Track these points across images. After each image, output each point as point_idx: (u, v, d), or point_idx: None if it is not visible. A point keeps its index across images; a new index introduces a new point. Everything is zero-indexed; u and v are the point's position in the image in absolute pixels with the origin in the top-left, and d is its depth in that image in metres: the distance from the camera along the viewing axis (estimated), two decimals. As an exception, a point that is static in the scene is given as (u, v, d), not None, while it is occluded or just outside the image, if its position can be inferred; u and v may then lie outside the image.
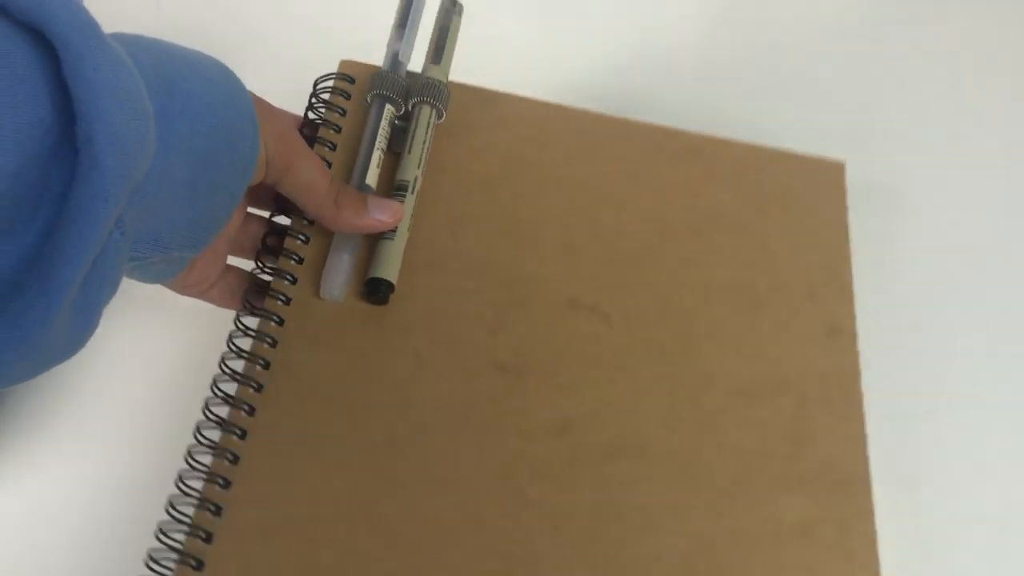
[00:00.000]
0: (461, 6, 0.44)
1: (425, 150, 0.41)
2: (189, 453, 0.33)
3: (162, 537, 0.31)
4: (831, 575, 0.35)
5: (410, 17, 0.43)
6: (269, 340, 0.36)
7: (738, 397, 0.38)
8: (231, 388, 0.35)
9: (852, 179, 0.45)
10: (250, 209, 0.40)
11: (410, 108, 0.42)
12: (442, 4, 0.44)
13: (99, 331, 0.29)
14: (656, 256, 0.41)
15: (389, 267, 0.38)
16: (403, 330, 0.38)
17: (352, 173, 0.40)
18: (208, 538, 0.32)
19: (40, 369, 0.28)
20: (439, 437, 0.35)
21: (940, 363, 0.49)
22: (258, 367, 0.35)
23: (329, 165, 0.40)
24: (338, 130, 0.41)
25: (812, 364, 0.39)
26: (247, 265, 0.39)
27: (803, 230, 0.43)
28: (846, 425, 0.38)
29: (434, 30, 0.44)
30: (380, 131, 0.40)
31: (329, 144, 0.40)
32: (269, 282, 0.38)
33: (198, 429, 0.34)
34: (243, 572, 0.32)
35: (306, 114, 0.41)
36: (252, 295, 0.38)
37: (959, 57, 0.62)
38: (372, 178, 0.40)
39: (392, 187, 0.40)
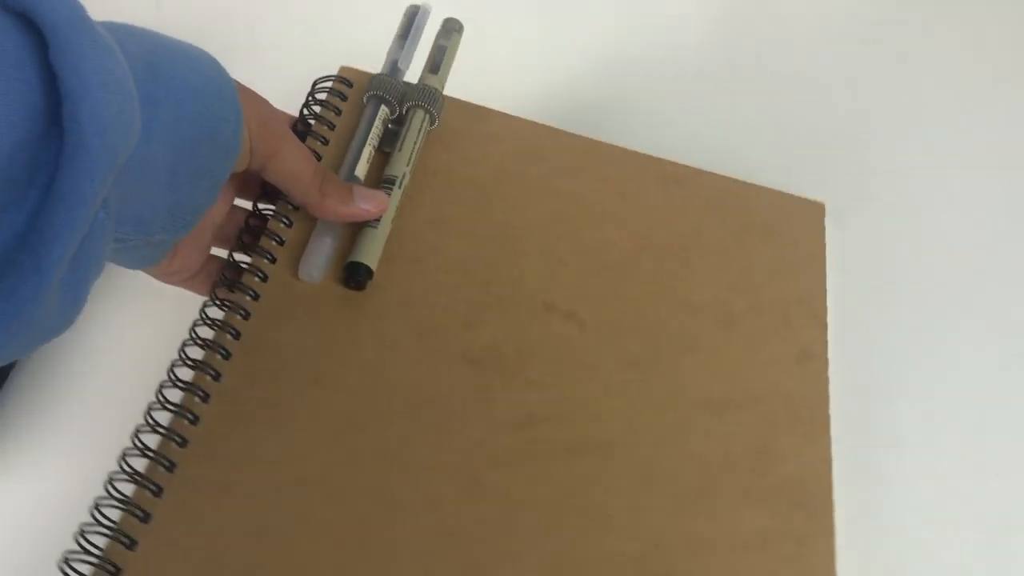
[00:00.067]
0: (461, 25, 0.46)
1: (415, 150, 0.42)
2: (149, 412, 0.33)
3: (110, 488, 0.31)
4: (787, 591, 0.34)
5: (412, 30, 0.44)
6: (242, 312, 0.36)
7: (705, 410, 0.38)
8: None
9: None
10: (237, 201, 0.41)
11: (404, 112, 0.43)
12: (443, 23, 0.46)
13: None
14: (635, 271, 0.42)
15: (370, 253, 0.38)
16: (377, 316, 0.38)
17: (342, 165, 0.41)
18: (158, 492, 0.31)
19: (33, 345, 0.28)
20: (402, 418, 0.35)
21: (907, 391, 0.49)
22: (228, 336, 0.35)
23: (320, 158, 0.41)
24: (332, 127, 0.42)
25: (782, 386, 0.39)
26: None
27: (781, 260, 0.44)
28: (812, 447, 0.38)
29: (434, 45, 0.45)
30: (373, 129, 0.41)
31: (322, 139, 0.41)
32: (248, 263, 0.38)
33: (160, 390, 0.34)
34: (190, 527, 0.31)
35: (302, 111, 0.42)
36: (230, 270, 0.38)
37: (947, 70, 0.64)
38: (361, 172, 0.40)
39: (380, 182, 0.41)
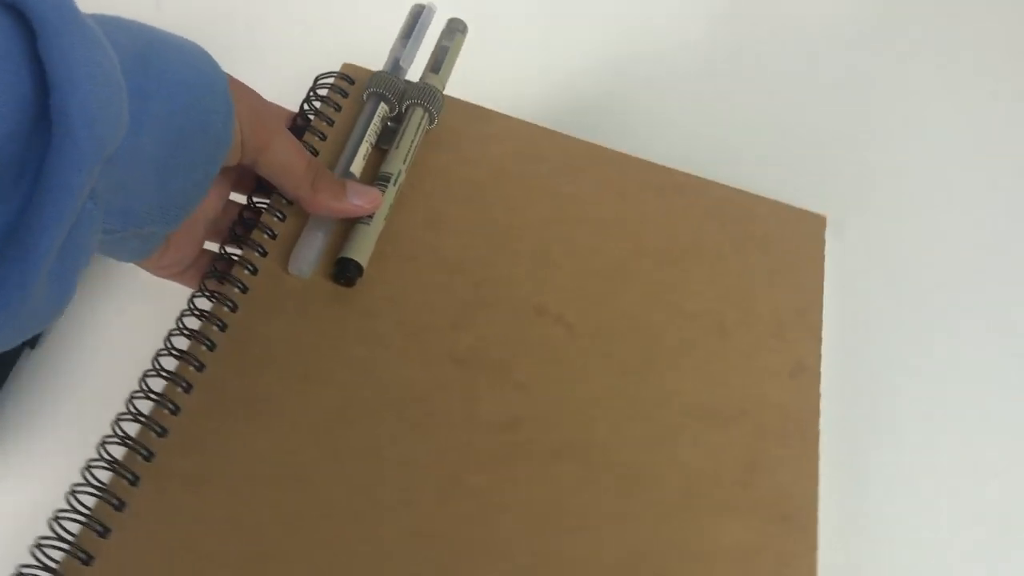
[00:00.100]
0: (465, 26, 0.46)
1: (413, 148, 0.41)
2: (131, 400, 0.33)
3: (87, 475, 0.31)
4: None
5: (415, 29, 0.44)
6: (230, 304, 0.36)
7: (694, 419, 0.38)
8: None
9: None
10: (233, 196, 0.41)
11: (403, 110, 0.43)
12: (448, 23, 0.46)
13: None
14: (631, 276, 0.41)
15: (361, 250, 0.38)
16: (366, 313, 0.38)
17: (338, 161, 0.41)
18: (135, 480, 0.31)
19: (21, 335, 0.29)
20: (386, 417, 0.35)
21: (904, 403, 0.49)
22: (215, 327, 0.35)
23: (317, 154, 0.41)
24: (331, 123, 0.42)
25: (773, 398, 0.39)
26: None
27: (779, 272, 0.43)
28: (800, 461, 0.37)
29: (436, 45, 0.45)
30: (371, 125, 0.41)
31: (320, 134, 0.41)
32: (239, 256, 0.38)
33: (143, 379, 0.33)
34: (165, 517, 0.31)
35: (302, 106, 0.42)
36: (220, 262, 0.38)
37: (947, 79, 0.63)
38: (357, 168, 0.40)
39: (376, 179, 0.41)
